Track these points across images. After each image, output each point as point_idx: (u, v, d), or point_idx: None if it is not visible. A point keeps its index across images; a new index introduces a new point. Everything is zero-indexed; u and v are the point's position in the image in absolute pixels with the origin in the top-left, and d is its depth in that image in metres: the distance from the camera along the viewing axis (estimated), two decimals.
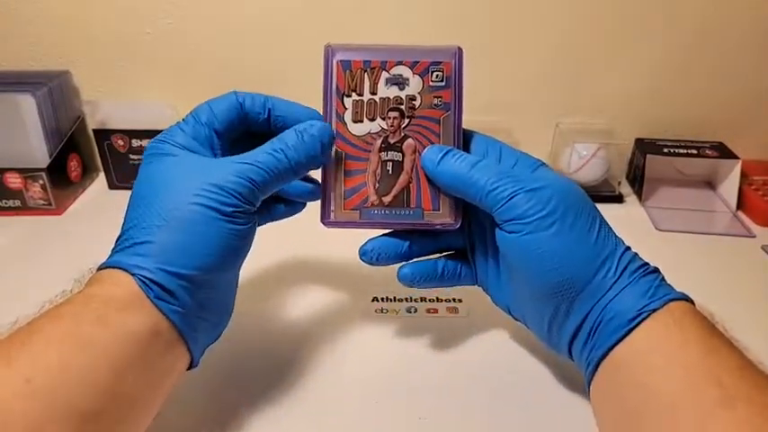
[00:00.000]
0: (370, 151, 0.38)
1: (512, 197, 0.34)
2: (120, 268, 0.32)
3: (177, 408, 0.39)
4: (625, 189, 0.77)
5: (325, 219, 0.38)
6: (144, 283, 0.31)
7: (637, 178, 0.76)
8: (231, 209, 0.33)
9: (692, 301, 0.35)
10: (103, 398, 0.28)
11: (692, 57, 0.73)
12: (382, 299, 0.52)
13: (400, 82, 0.37)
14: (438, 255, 0.42)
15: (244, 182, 0.33)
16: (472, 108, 0.79)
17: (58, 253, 0.62)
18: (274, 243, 0.48)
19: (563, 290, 0.34)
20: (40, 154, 0.68)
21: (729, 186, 0.73)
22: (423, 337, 0.48)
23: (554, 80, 0.75)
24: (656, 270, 0.36)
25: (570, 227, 0.33)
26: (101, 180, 0.76)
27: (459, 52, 0.38)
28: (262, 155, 0.34)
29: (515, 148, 0.38)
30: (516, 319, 0.42)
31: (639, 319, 0.32)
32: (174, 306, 0.32)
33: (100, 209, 0.71)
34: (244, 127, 0.38)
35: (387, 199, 0.38)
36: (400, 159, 0.38)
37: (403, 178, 0.38)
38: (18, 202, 0.69)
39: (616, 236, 0.36)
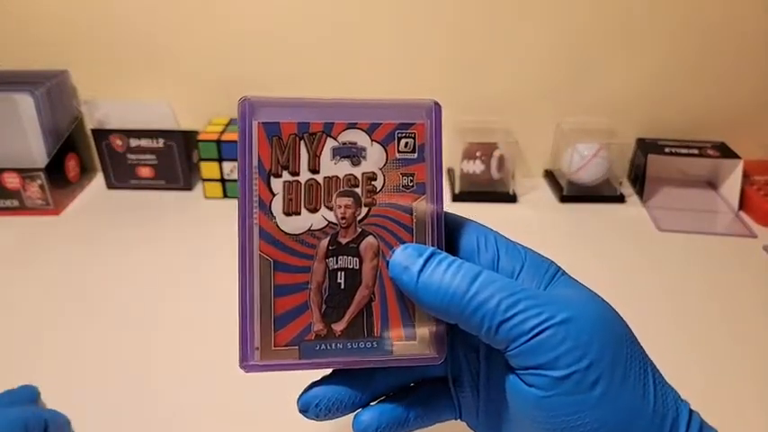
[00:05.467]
0: (312, 257, 0.26)
1: (536, 333, 0.22)
2: None
3: None
4: (626, 189, 0.77)
5: (244, 361, 0.25)
6: None
7: (638, 178, 0.76)
8: None
9: None
10: None
11: (694, 57, 0.73)
12: None
13: (354, 153, 0.26)
14: (406, 391, 0.30)
15: None
16: (472, 108, 0.79)
17: (57, 253, 0.62)
18: None
19: None
20: (38, 154, 0.68)
21: (731, 186, 0.73)
22: None
23: (555, 80, 0.75)
24: None
25: (621, 384, 0.22)
26: (99, 180, 0.76)
27: (435, 109, 0.26)
28: None
29: (514, 242, 0.27)
30: None
31: None
32: None
33: (98, 209, 0.71)
34: None
35: (339, 327, 0.26)
36: (357, 267, 0.26)
37: (361, 294, 0.26)
38: (16, 202, 0.68)
39: (672, 389, 0.25)
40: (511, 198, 0.74)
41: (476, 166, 0.72)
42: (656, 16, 0.71)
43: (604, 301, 0.25)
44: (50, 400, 0.42)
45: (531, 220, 0.70)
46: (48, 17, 0.71)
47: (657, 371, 0.25)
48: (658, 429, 0.23)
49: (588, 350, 0.22)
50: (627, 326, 0.25)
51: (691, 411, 0.24)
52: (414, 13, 0.71)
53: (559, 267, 0.27)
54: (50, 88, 0.69)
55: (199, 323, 0.52)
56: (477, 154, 0.72)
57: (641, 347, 0.25)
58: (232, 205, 0.72)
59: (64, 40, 0.73)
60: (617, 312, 0.25)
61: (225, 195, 0.73)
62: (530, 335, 0.22)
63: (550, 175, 0.79)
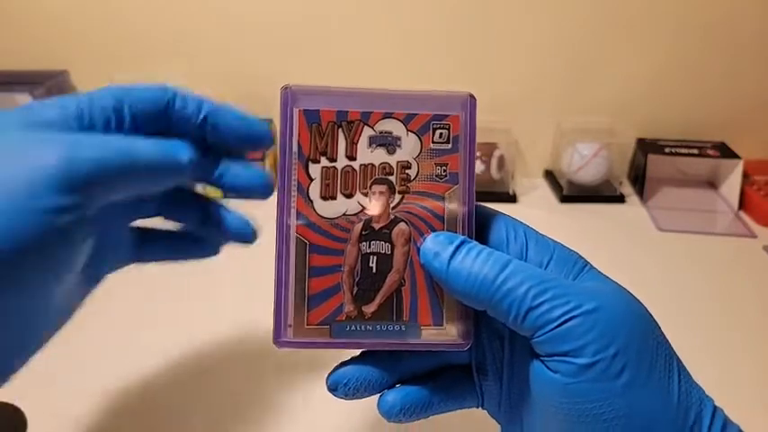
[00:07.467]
0: (346, 241, 0.27)
1: (564, 321, 0.23)
2: None
3: None
4: (626, 189, 0.77)
5: (278, 337, 0.26)
6: None
7: (638, 178, 0.76)
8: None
9: None
10: None
11: (694, 57, 0.73)
12: None
13: (389, 142, 0.27)
14: (431, 376, 0.30)
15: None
16: None
17: None
18: None
19: None
20: None
21: (731, 186, 0.73)
22: None
23: (555, 79, 0.75)
24: None
25: (647, 375, 0.23)
26: None
27: (470, 102, 0.28)
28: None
29: (543, 234, 0.28)
30: None
31: None
32: None
33: None
34: (165, 129, 0.28)
35: (369, 309, 0.27)
36: (388, 252, 0.27)
37: (392, 279, 0.27)
38: None
39: (698, 385, 0.25)
40: (511, 198, 0.74)
41: (476, 167, 0.72)
42: (656, 16, 0.71)
43: (632, 294, 0.25)
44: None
45: (531, 220, 0.69)
46: (47, 17, 0.71)
47: (683, 366, 0.25)
48: (682, 422, 0.23)
49: (615, 339, 0.23)
50: (654, 320, 0.25)
51: (715, 407, 0.24)
52: (413, 13, 0.71)
53: (587, 261, 0.27)
54: (50, 88, 0.69)
55: (199, 323, 0.52)
56: (478, 154, 0.72)
57: (668, 342, 0.25)
58: (232, 205, 0.72)
59: (64, 40, 0.73)
60: (644, 306, 0.25)
61: (225, 195, 0.73)
62: (557, 322, 0.23)
63: (550, 175, 0.79)
